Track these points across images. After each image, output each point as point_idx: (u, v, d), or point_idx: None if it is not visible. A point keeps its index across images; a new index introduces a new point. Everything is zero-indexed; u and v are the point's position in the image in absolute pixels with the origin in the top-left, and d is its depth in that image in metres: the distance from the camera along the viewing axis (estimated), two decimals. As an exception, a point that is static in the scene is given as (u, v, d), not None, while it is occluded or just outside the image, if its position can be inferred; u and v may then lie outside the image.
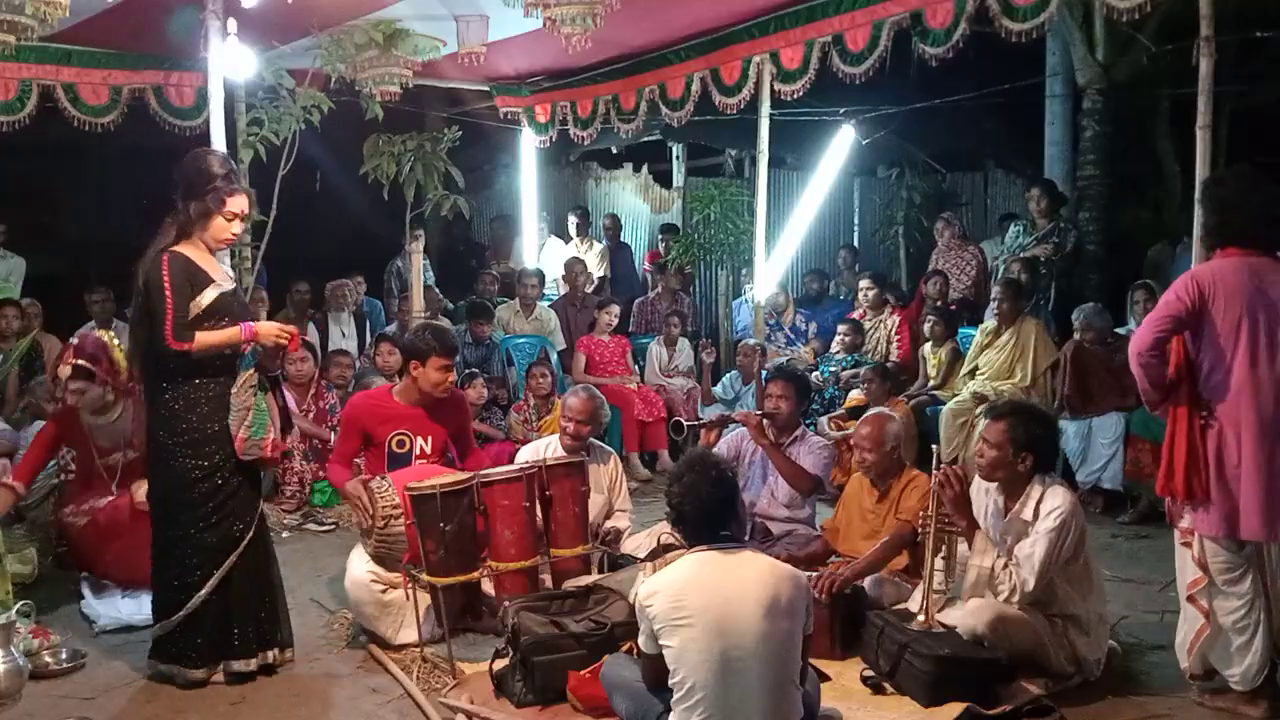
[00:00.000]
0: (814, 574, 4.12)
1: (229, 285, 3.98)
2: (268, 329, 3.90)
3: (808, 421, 6.13)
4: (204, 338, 3.79)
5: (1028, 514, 3.80)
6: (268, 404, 3.95)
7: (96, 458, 5.03)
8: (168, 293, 3.76)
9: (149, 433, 3.98)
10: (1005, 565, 3.73)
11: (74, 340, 5.19)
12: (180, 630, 3.87)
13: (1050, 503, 3.76)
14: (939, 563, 3.93)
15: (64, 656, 4.16)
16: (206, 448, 3.86)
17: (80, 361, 4.93)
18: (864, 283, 8.30)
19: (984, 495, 4.02)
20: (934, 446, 4.16)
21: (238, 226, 4.00)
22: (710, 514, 3.15)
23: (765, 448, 4.94)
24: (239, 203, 3.95)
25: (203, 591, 3.83)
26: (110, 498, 4.95)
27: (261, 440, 3.89)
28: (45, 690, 3.94)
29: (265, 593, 4.02)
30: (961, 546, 3.93)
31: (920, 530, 4.05)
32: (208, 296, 3.83)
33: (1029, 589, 3.68)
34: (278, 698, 3.86)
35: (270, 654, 3.99)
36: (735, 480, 3.33)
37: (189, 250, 3.89)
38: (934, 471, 3.92)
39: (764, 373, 6.82)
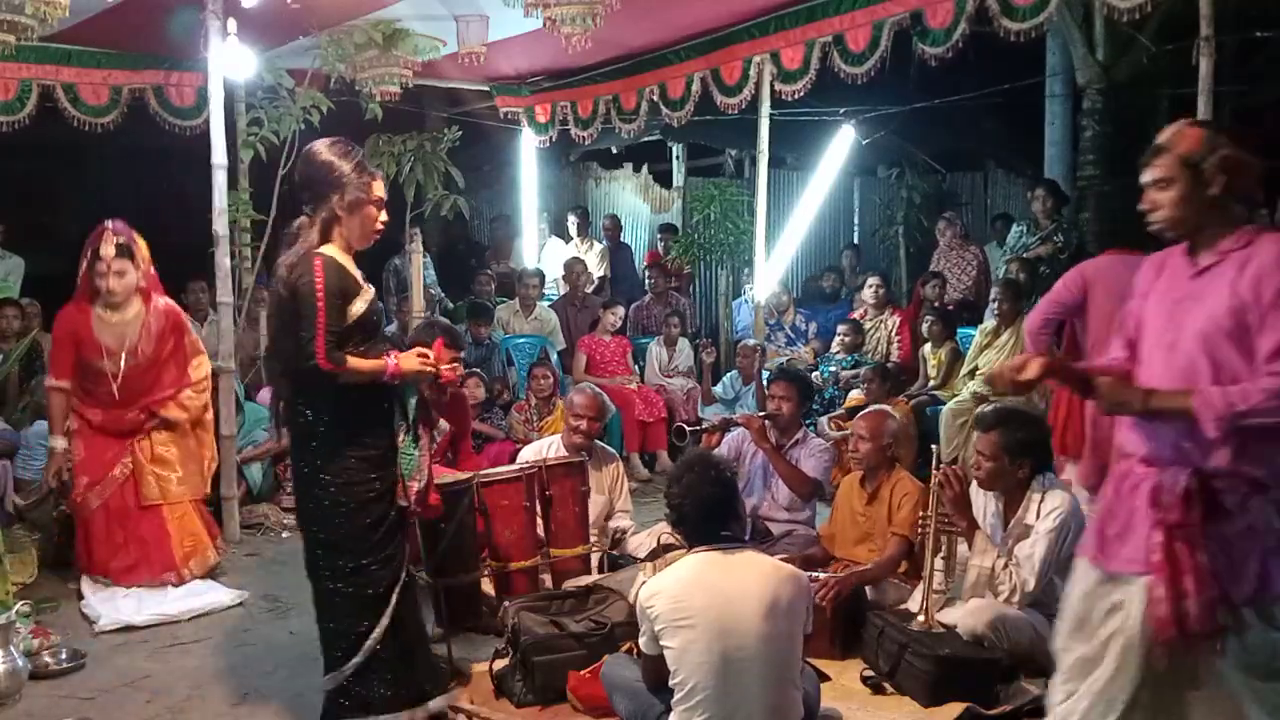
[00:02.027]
0: (815, 574, 4.12)
1: (372, 290, 3.53)
2: (410, 363, 3.43)
3: (808, 422, 6.13)
4: (355, 364, 3.34)
5: (1030, 517, 3.80)
6: (418, 448, 3.53)
7: (104, 357, 4.91)
8: (320, 303, 3.26)
9: (294, 468, 3.57)
10: (1005, 565, 3.73)
11: (107, 223, 4.97)
12: (358, 676, 3.43)
13: (1051, 503, 3.77)
14: (939, 563, 3.94)
15: (64, 656, 4.16)
16: (367, 476, 3.40)
17: (123, 240, 4.86)
18: (873, 279, 8.30)
19: (983, 496, 4.03)
20: (934, 447, 4.16)
21: (384, 215, 3.54)
22: (711, 514, 3.15)
23: (766, 451, 4.94)
24: (380, 188, 3.52)
25: (374, 637, 3.40)
26: (120, 463, 4.92)
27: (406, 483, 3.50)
28: (45, 690, 3.94)
29: (425, 630, 3.74)
30: (961, 546, 3.93)
31: (920, 531, 4.05)
32: (359, 306, 3.39)
33: (1029, 589, 3.69)
34: (278, 697, 3.86)
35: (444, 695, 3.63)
36: (735, 480, 3.33)
37: (336, 253, 3.42)
38: (934, 471, 3.92)
39: (765, 373, 6.81)
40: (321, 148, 3.50)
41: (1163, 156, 2.62)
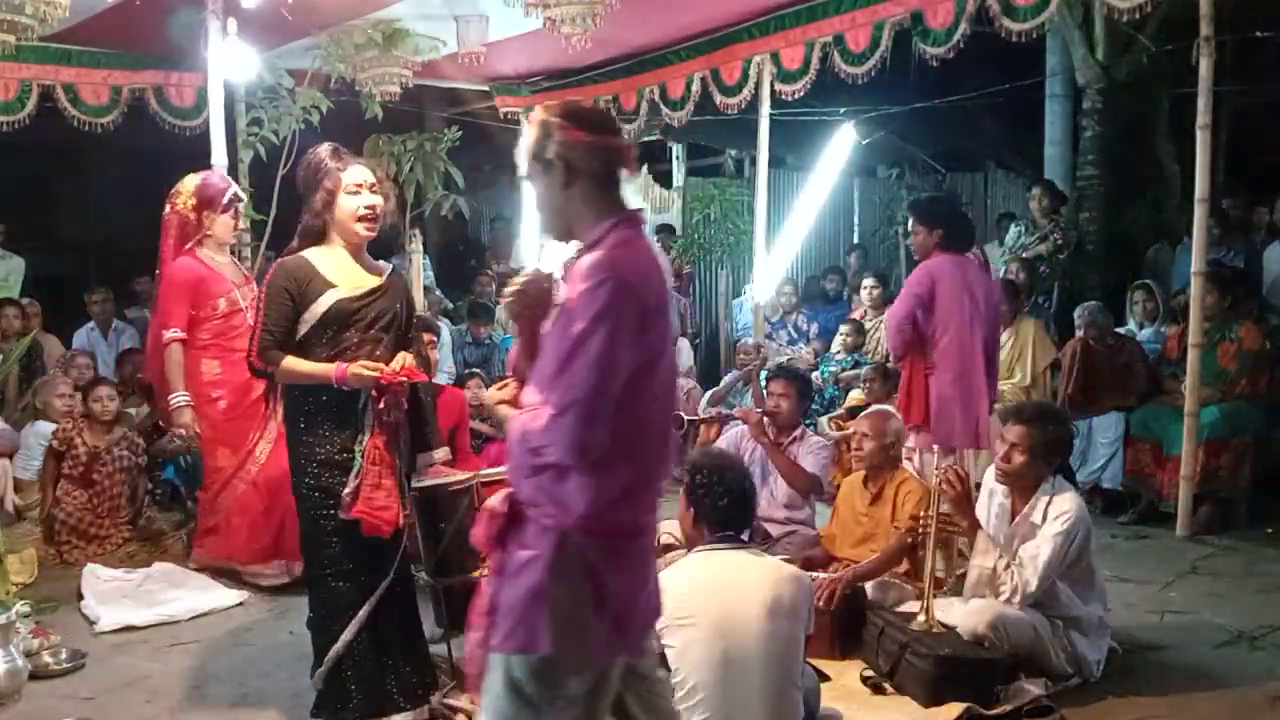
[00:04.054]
0: (815, 575, 4.11)
1: (363, 289, 3.41)
2: (356, 371, 3.29)
3: (808, 422, 6.12)
4: (291, 365, 3.33)
5: (1036, 517, 3.80)
6: (364, 454, 3.35)
7: (232, 289, 5.12)
8: (261, 304, 3.40)
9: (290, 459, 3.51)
10: (1007, 565, 3.73)
11: (218, 173, 5.25)
12: (331, 679, 3.42)
13: (1060, 506, 3.76)
14: (939, 562, 3.93)
15: (64, 656, 4.16)
16: (325, 481, 3.35)
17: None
18: (868, 281, 8.30)
19: (987, 496, 4.02)
20: (935, 447, 4.16)
21: (368, 197, 3.41)
22: (742, 511, 3.17)
23: (765, 446, 4.94)
24: (357, 173, 3.42)
25: (339, 644, 3.37)
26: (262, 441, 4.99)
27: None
28: (45, 690, 3.93)
29: (416, 640, 3.62)
30: (962, 545, 3.93)
31: (921, 531, 4.05)
32: (321, 306, 3.35)
33: (1030, 590, 3.68)
34: (278, 697, 3.85)
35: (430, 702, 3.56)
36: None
37: (318, 253, 3.42)
38: (935, 471, 3.92)
39: (764, 372, 6.80)
40: (311, 150, 3.52)
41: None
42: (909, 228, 5.18)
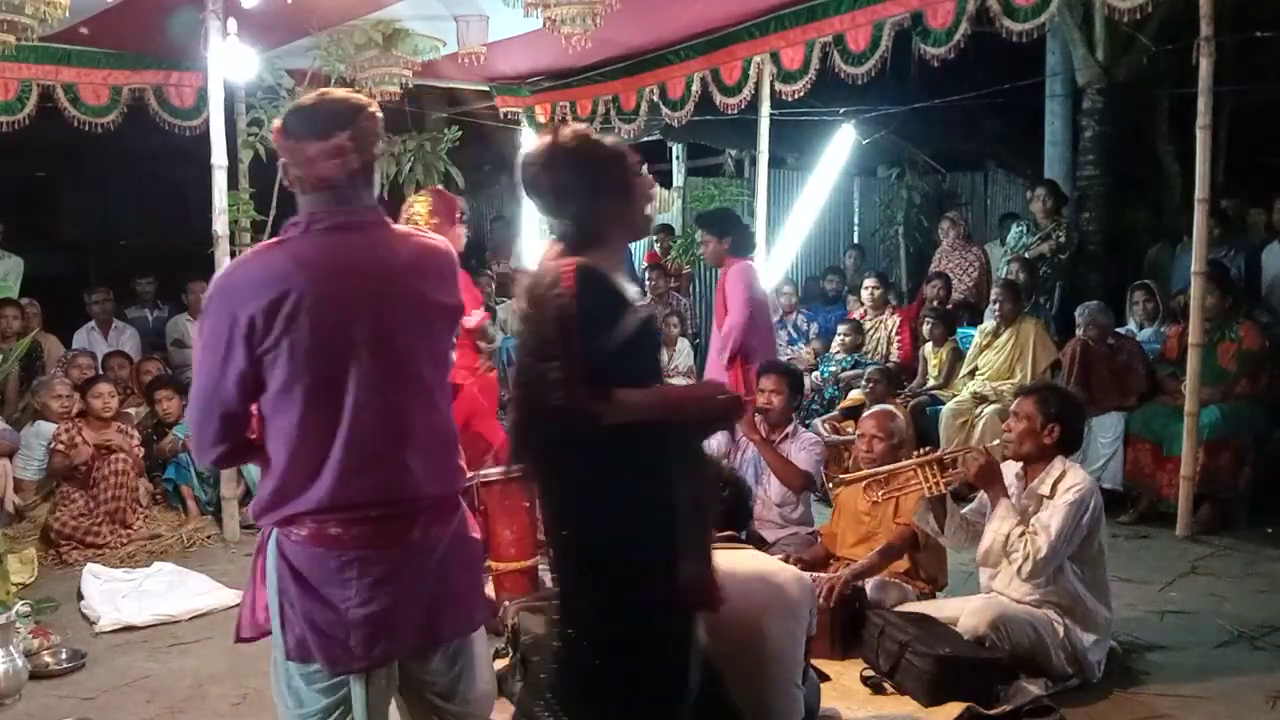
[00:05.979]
0: (815, 575, 4.11)
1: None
2: None
3: (807, 422, 6.12)
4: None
5: (1044, 489, 3.80)
6: None
7: None
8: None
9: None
10: (1022, 534, 3.72)
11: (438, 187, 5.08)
12: None
13: (1070, 480, 3.78)
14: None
15: (64, 656, 4.16)
16: None
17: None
18: (869, 281, 8.30)
19: (1009, 474, 4.03)
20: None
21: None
22: (744, 507, 3.17)
23: (757, 443, 4.91)
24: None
25: None
26: None
27: None
28: (45, 690, 3.94)
29: None
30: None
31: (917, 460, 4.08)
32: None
33: (1041, 556, 3.66)
34: (278, 698, 3.85)
35: None
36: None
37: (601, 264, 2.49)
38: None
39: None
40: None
41: None
42: (698, 239, 5.51)
